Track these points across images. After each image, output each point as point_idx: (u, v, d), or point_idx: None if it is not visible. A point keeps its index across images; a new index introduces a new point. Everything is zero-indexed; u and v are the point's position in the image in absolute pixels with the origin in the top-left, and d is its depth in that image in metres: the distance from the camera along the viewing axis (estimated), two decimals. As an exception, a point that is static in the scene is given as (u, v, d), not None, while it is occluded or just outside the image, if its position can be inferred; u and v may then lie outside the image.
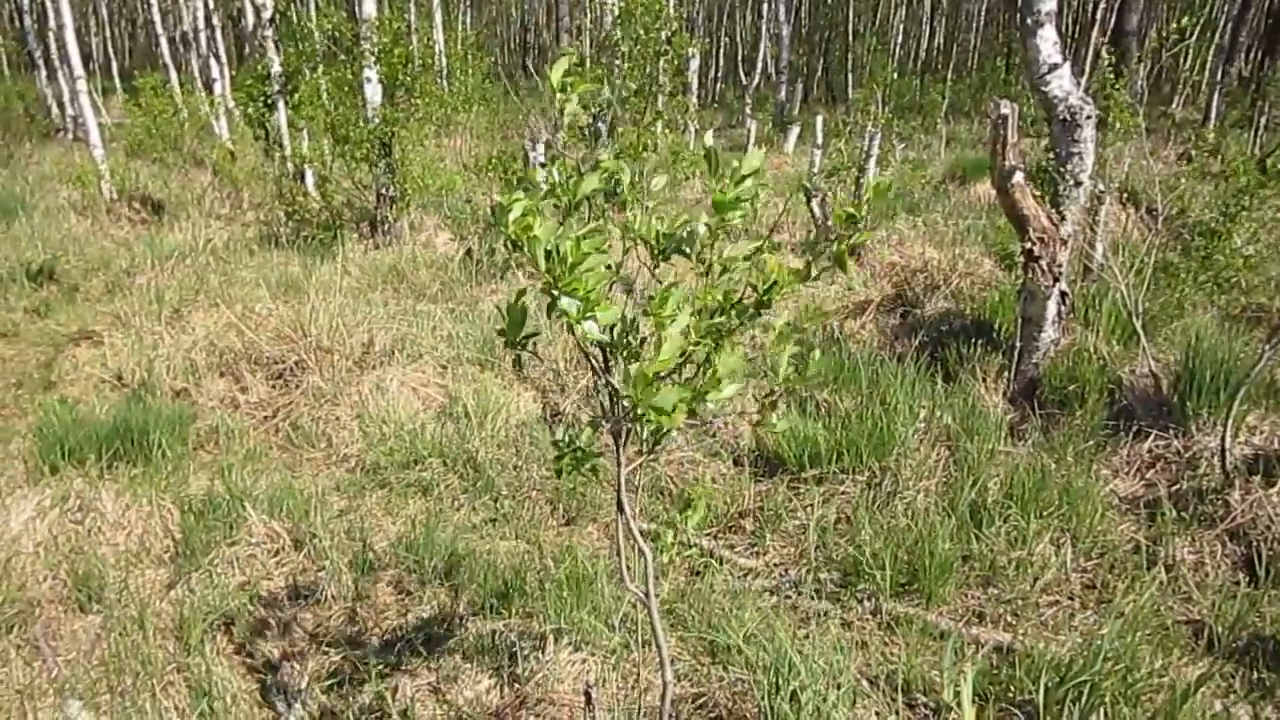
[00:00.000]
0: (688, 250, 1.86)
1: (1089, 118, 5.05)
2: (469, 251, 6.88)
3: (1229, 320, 6.00)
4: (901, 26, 28.20)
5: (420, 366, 5.21)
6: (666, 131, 9.91)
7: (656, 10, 7.53)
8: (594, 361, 1.89)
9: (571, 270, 1.62)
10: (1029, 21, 5.14)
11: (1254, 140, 13.46)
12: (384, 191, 8.06)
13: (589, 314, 1.66)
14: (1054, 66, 5.06)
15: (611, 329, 1.81)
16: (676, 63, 10.82)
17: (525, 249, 1.64)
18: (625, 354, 1.86)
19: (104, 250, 8.21)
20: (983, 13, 29.18)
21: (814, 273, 1.84)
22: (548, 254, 1.63)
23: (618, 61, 8.23)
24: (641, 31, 7.49)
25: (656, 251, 1.89)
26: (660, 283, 1.74)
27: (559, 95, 1.79)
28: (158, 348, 5.59)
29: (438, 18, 16.42)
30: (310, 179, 9.29)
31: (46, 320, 6.58)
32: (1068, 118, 5.00)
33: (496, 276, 6.75)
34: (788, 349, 1.89)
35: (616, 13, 8.05)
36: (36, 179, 11.68)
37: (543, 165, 4.36)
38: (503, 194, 1.66)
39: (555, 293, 1.64)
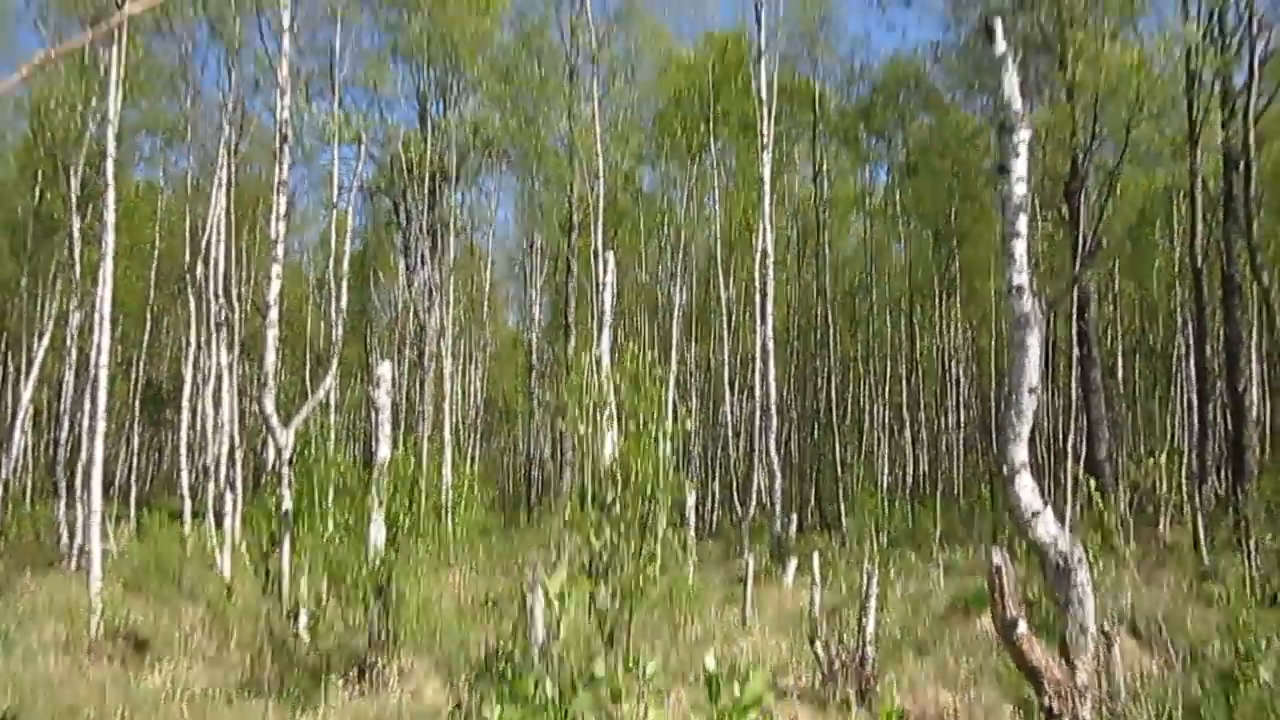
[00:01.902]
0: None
1: (1080, 561, 5.11)
2: (458, 704, 6.55)
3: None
4: (886, 455, 29.83)
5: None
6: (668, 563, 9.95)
7: (653, 466, 7.98)
8: None
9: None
10: (1005, 470, 5.43)
11: (1247, 563, 13.50)
12: (376, 635, 7.90)
13: None
14: (1036, 513, 5.23)
15: None
16: (673, 502, 11.25)
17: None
18: None
19: (76, 696, 7.80)
20: (960, 442, 31.05)
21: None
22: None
23: (613, 503, 8.48)
24: (635, 480, 7.86)
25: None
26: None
27: (555, 605, 1.80)
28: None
29: (448, 453, 17.46)
30: (304, 619, 9.15)
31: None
32: (1060, 563, 5.06)
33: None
34: None
35: (612, 458, 8.52)
36: (28, 610, 11.48)
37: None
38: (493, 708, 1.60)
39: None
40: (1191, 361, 23.99)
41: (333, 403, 22.47)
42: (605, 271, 10.37)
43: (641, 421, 8.14)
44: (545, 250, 29.39)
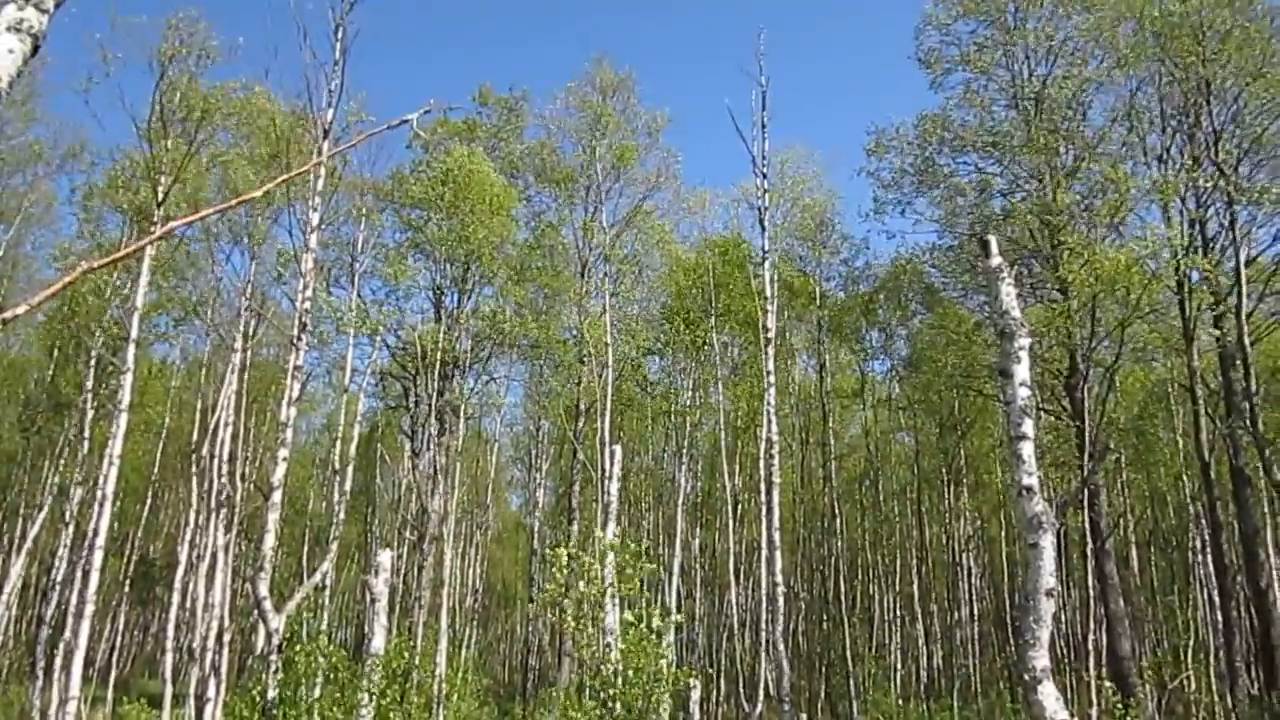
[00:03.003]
0: None
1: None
2: None
3: None
4: (898, 648, 28.66)
5: None
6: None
7: (654, 653, 7.72)
8: None
9: None
10: (1027, 678, 5.21)
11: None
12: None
13: None
14: (1062, 728, 4.98)
15: None
16: (674, 695, 10.77)
17: None
18: None
19: None
20: (976, 636, 29.90)
21: None
22: None
23: (613, 697, 8.12)
24: (633, 673, 7.58)
25: None
26: None
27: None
28: None
29: (443, 642, 16.85)
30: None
31: None
32: (1091, 785, 4.76)
33: None
34: None
35: (617, 652, 8.23)
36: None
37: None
38: None
39: None
40: (1209, 555, 23.46)
41: (328, 584, 21.94)
42: (611, 463, 10.41)
43: (639, 614, 7.94)
44: (551, 435, 29.57)
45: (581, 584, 8.70)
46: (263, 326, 20.59)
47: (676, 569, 21.14)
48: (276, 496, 11.82)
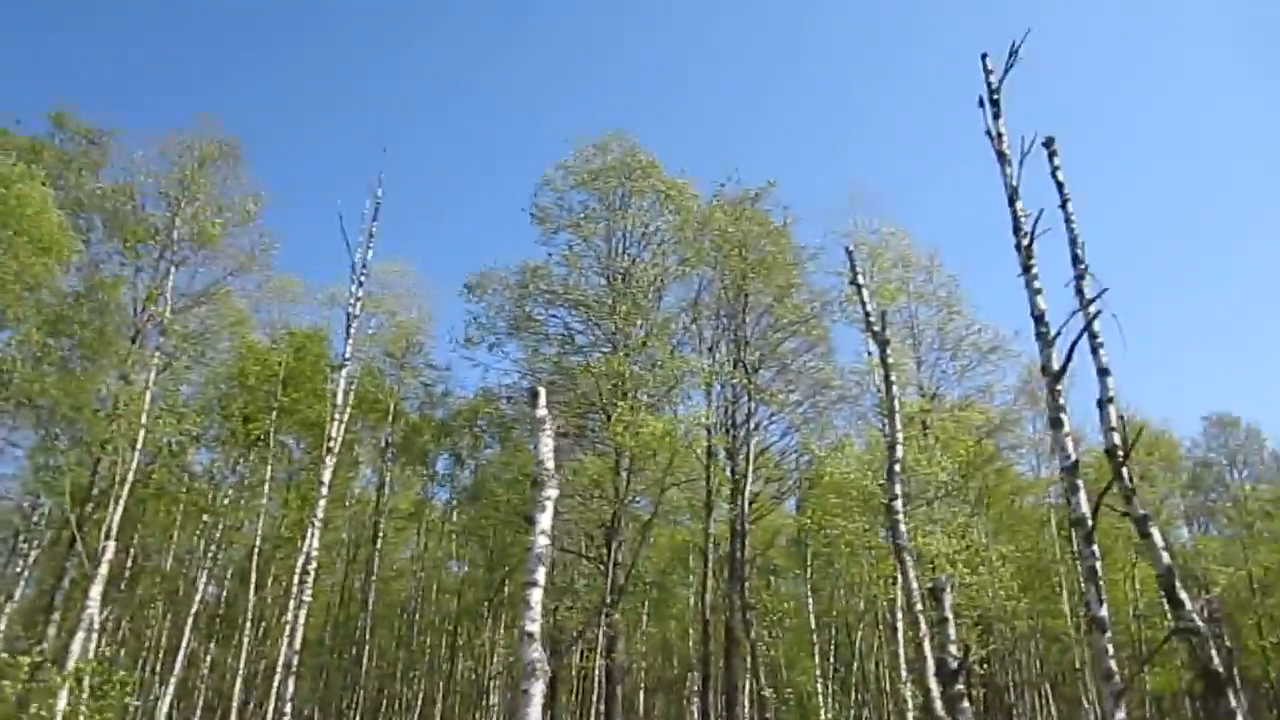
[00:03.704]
0: None
1: None
2: None
3: None
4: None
5: None
6: None
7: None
8: None
9: None
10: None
11: None
12: None
13: None
14: None
15: None
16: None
17: None
18: None
19: None
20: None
21: None
22: None
23: None
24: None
25: None
26: None
27: None
28: None
29: None
30: None
31: None
32: None
33: None
34: None
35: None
36: None
37: None
38: None
39: None
40: (697, 703, 26.21)
41: None
42: (99, 563, 9.04)
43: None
44: (51, 518, 25.10)
45: (34, 708, 7.33)
46: None
47: (172, 689, 18.59)
48: None
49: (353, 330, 18.04)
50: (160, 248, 20.88)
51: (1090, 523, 7.27)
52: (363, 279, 18.64)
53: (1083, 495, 7.43)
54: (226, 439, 22.37)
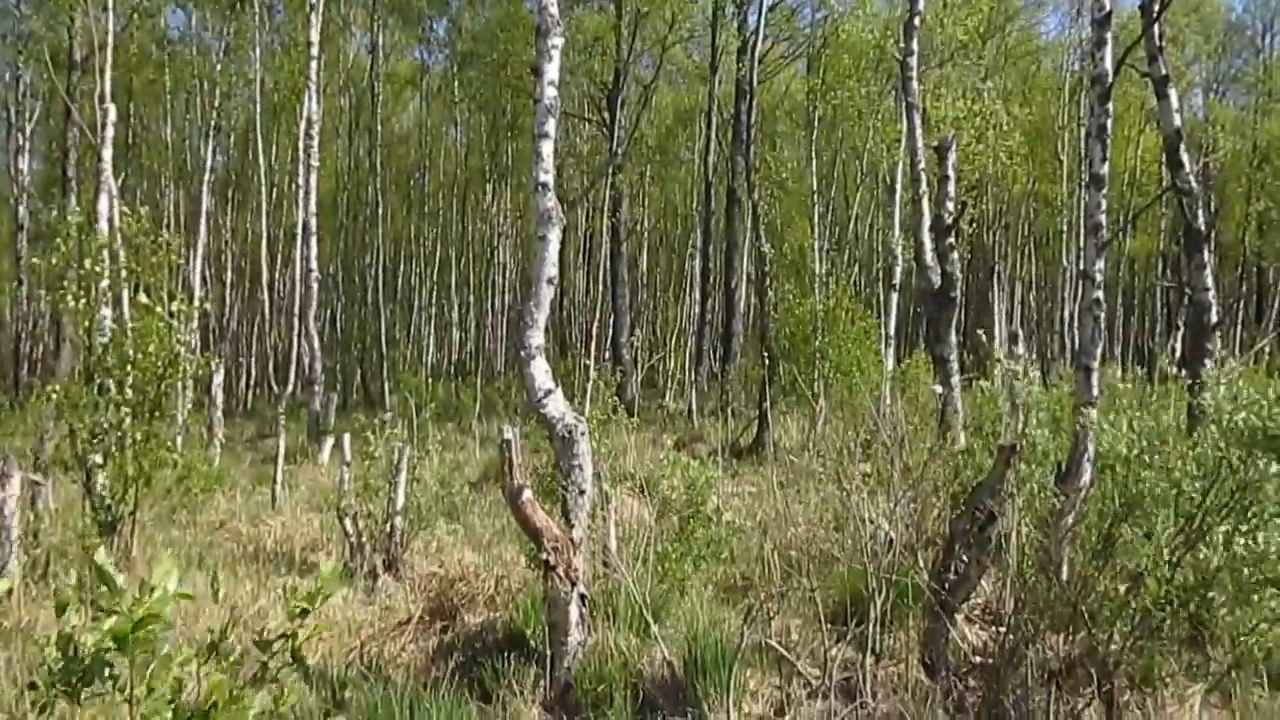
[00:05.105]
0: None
1: (583, 434, 5.81)
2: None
3: (725, 592, 6.94)
4: (433, 333, 30.40)
5: None
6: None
7: (169, 338, 7.29)
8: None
9: None
10: (523, 354, 5.92)
11: (726, 425, 16.42)
12: None
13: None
14: (549, 391, 5.81)
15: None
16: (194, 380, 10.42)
17: None
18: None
19: None
20: (505, 324, 32.72)
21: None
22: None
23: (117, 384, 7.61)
24: (142, 357, 7.15)
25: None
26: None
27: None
28: None
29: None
30: None
31: None
32: (565, 435, 5.71)
33: None
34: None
35: (114, 333, 7.64)
36: None
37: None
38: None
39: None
40: (698, 260, 27.76)
41: None
42: (103, 126, 8.92)
43: (152, 295, 7.38)
44: (36, 89, 24.54)
45: (88, 262, 7.73)
46: None
47: (201, 251, 19.60)
48: None
49: None
50: None
51: (1110, 79, 7.02)
52: None
53: (1109, 50, 7.08)
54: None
